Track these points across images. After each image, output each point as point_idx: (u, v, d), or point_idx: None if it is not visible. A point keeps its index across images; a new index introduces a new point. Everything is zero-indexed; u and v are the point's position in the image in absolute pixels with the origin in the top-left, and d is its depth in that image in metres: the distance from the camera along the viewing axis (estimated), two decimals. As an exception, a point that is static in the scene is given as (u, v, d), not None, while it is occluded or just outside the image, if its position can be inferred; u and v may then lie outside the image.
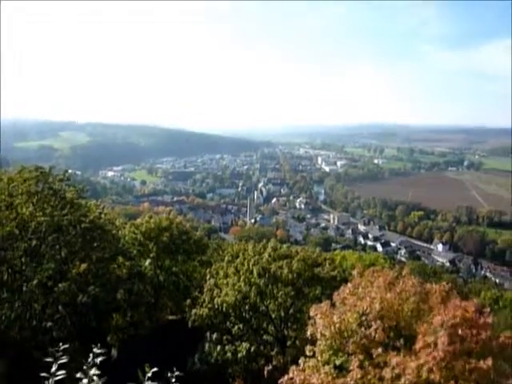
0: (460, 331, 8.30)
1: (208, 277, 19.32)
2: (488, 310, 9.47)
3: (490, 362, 7.85)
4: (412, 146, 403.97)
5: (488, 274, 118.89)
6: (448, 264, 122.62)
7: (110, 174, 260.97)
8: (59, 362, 3.59)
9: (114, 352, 20.02)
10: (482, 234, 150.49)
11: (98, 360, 3.63)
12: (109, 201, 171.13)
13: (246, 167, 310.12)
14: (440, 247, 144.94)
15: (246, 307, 17.87)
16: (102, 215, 20.78)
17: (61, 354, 3.66)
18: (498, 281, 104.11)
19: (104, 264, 19.21)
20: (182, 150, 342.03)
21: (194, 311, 18.27)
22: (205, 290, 18.82)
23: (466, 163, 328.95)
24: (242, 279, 17.67)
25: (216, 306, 17.67)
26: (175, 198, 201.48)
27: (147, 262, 22.91)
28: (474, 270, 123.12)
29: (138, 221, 24.70)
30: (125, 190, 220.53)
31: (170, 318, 23.95)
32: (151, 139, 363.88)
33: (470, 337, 8.34)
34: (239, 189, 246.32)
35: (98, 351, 3.71)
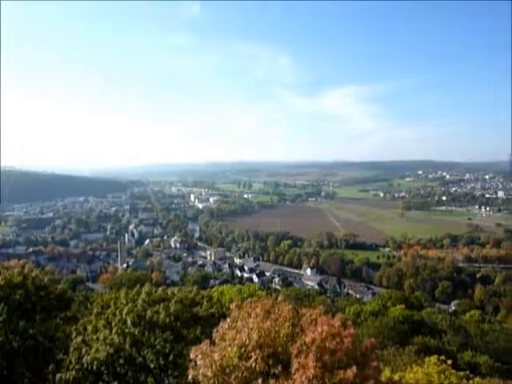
0: (328, 344, 8.97)
1: (74, 334, 17.19)
2: (350, 322, 10.49)
3: (354, 369, 8.63)
4: (276, 179, 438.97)
5: (350, 291, 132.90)
6: (317, 286, 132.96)
7: None
8: None
9: None
10: (342, 256, 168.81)
11: None
12: None
13: (114, 209, 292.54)
14: (308, 272, 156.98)
15: (121, 361, 16.31)
16: None
17: None
18: (358, 296, 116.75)
19: None
20: (38, 195, 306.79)
21: (58, 376, 15.97)
22: (71, 349, 16.67)
23: (322, 193, 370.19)
24: (114, 331, 16.16)
25: (85, 366, 15.73)
26: (31, 249, 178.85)
27: (-5, 327, 19.38)
28: (338, 289, 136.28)
29: (-18, 280, 20.91)
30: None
31: (28, 390, 20.44)
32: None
33: (337, 348, 9.08)
34: (108, 232, 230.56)
35: None
